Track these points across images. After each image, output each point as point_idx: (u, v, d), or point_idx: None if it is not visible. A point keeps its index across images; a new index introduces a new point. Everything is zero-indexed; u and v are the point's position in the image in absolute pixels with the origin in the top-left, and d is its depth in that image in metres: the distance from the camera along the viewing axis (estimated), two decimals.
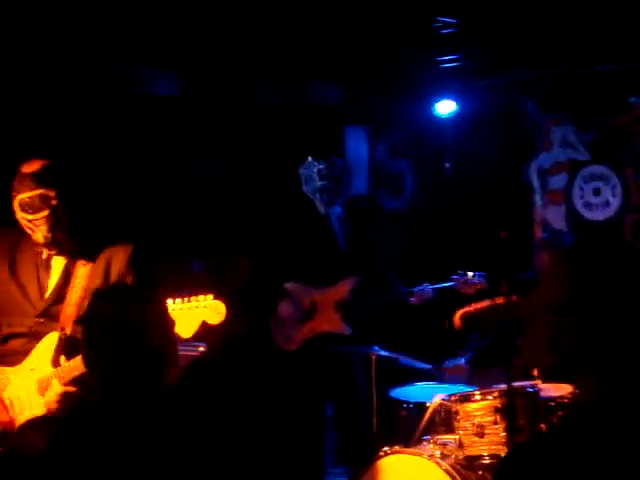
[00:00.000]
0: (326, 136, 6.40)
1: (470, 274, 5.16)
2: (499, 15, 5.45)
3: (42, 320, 3.61)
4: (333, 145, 6.35)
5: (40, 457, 3.09)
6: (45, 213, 3.54)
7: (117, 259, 3.69)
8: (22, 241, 3.70)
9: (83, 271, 3.64)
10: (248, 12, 5.47)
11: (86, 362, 2.57)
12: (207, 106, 6.09)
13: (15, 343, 3.64)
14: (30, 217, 3.55)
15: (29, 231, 3.59)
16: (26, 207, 3.54)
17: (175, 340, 2.66)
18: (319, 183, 5.12)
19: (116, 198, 5.39)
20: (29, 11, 4.86)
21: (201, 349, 4.30)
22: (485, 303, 4.10)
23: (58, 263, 3.68)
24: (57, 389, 3.49)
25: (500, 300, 4.14)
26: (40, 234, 3.56)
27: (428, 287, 5.22)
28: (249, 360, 5.64)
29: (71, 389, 3.50)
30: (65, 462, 2.53)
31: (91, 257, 3.68)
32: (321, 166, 5.14)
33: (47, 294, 3.65)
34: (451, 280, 5.20)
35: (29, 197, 3.54)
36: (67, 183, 3.65)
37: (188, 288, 5.78)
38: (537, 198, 6.43)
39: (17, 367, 3.61)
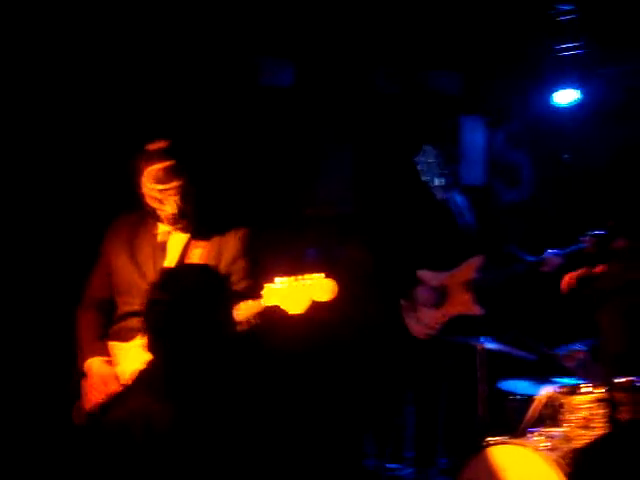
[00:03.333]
0: (442, 125, 6.38)
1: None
2: None
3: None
4: (449, 134, 6.32)
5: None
6: (177, 183, 3.64)
7: (230, 243, 3.78)
8: (141, 225, 3.85)
9: (197, 253, 3.75)
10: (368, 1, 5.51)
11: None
12: (327, 95, 6.15)
13: (131, 321, 3.77)
14: (161, 187, 3.64)
15: (157, 204, 3.68)
16: (158, 177, 3.63)
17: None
18: (437, 170, 5.16)
19: (235, 183, 5.51)
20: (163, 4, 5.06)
21: None
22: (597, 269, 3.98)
23: (173, 245, 3.80)
24: None
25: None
26: (169, 207, 3.65)
27: (558, 252, 5.15)
28: (370, 346, 5.71)
29: None
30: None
31: (208, 237, 3.77)
32: (436, 152, 5.18)
33: None
34: (579, 242, 5.07)
35: (160, 168, 3.63)
36: (193, 161, 3.76)
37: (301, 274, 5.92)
38: None
39: (131, 343, 3.76)
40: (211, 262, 3.73)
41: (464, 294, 4.97)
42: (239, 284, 3.73)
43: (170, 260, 3.79)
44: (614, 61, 6.05)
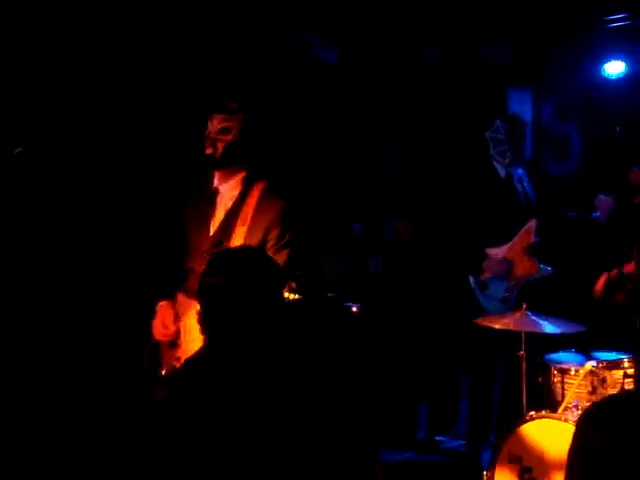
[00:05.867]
0: (489, 97, 6.34)
1: None
2: None
3: (208, 257, 3.86)
4: (496, 107, 6.27)
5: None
6: (225, 124, 3.83)
7: (268, 214, 3.86)
8: (204, 194, 4.00)
9: (241, 231, 3.84)
10: None
11: None
12: (374, 70, 6.14)
13: (192, 279, 3.89)
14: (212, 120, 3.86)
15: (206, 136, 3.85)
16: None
17: None
18: (505, 145, 5.13)
19: (285, 159, 5.55)
20: None
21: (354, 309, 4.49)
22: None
23: (221, 205, 3.93)
24: None
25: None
26: (212, 129, 3.83)
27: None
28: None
29: None
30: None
31: (248, 209, 3.87)
32: (508, 127, 5.13)
33: (211, 233, 3.92)
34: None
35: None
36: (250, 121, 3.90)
37: (348, 249, 5.96)
38: None
39: (193, 302, 3.89)
40: (254, 239, 3.81)
41: (528, 259, 5.07)
42: (272, 251, 3.80)
43: (217, 220, 3.93)
44: None
